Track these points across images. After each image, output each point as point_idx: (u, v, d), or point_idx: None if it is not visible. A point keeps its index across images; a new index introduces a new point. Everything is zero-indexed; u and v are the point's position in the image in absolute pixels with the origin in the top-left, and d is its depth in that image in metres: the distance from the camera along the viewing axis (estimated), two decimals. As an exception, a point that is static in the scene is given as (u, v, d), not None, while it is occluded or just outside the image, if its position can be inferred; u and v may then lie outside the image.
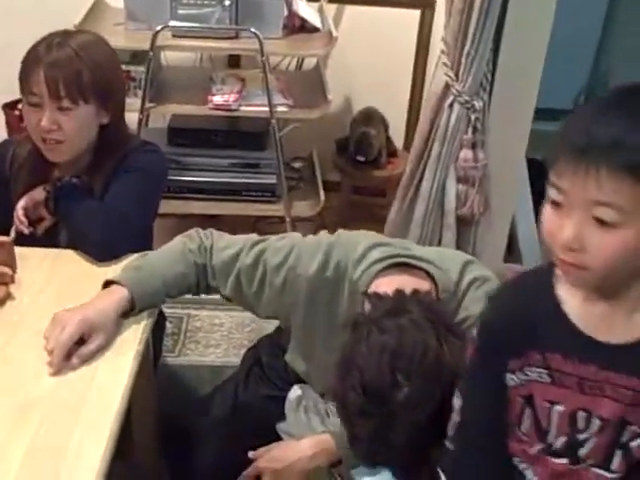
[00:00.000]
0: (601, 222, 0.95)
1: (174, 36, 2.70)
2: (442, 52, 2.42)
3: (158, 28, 2.59)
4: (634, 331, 1.04)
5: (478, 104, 2.41)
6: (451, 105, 2.42)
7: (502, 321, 1.12)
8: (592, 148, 0.93)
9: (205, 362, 2.49)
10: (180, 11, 2.67)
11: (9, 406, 1.27)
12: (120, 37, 2.72)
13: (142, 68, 2.72)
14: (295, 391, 1.63)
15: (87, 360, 1.38)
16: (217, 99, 2.76)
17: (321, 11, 3.07)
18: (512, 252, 2.89)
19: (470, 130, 2.45)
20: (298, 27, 2.90)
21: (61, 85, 1.64)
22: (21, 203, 1.75)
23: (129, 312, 1.48)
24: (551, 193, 0.99)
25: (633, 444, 1.08)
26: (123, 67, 2.72)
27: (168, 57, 3.16)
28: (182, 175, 2.90)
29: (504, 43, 2.40)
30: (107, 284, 1.50)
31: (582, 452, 1.11)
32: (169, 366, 2.41)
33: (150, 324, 1.52)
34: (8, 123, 3.30)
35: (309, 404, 1.61)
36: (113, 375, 1.36)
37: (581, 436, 1.10)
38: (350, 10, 3.31)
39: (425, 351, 1.15)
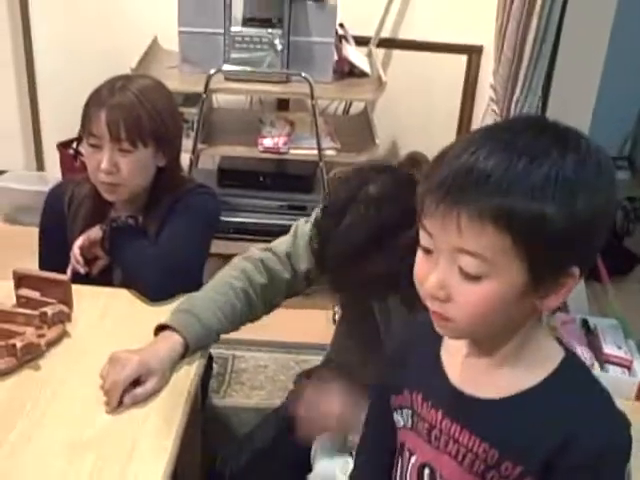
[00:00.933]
0: (464, 273, 0.87)
1: (227, 79, 2.76)
2: (491, 99, 2.44)
3: (212, 71, 2.66)
4: (500, 388, 0.96)
5: (527, 150, 2.41)
6: (499, 151, 2.43)
7: (392, 359, 1.14)
8: (453, 187, 0.84)
9: (249, 404, 2.49)
10: (233, 55, 2.74)
11: (64, 445, 1.28)
12: (174, 80, 2.79)
13: (194, 110, 2.79)
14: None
15: (140, 402, 1.39)
16: (267, 142, 2.80)
17: (370, 56, 3.12)
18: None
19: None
20: (347, 72, 2.94)
21: (122, 128, 1.69)
22: (78, 242, 1.79)
23: (184, 355, 1.50)
24: (421, 236, 0.92)
25: None
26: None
27: (219, 98, 3.22)
28: (230, 216, 2.94)
29: (553, 90, 2.40)
30: (160, 328, 1.51)
31: None
32: (215, 407, 2.42)
33: (202, 366, 1.53)
34: (62, 161, 3.39)
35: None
36: (165, 416, 1.37)
37: None
38: (398, 54, 3.36)
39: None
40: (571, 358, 0.98)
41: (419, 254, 0.93)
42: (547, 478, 0.92)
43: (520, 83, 2.29)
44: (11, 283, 1.64)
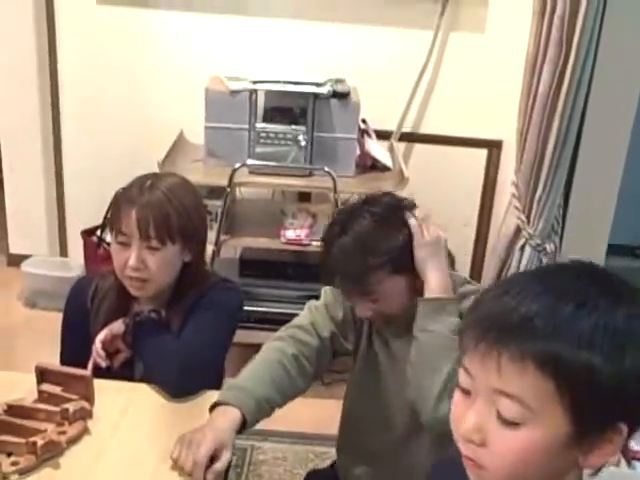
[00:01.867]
0: (502, 418, 0.82)
1: (251, 173, 2.81)
2: (513, 196, 2.46)
3: (236, 166, 2.70)
4: None
5: (549, 247, 2.43)
6: (522, 247, 2.44)
7: None
8: (494, 325, 0.81)
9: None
10: (258, 149, 2.80)
11: None
12: (199, 173, 2.85)
13: (218, 202, 2.83)
14: None
15: (220, 476, 1.39)
16: (289, 234, 2.83)
17: (391, 150, 3.17)
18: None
19: (541, 273, 2.44)
20: (370, 166, 2.99)
21: (151, 226, 1.71)
22: (100, 336, 1.79)
23: (242, 428, 1.51)
24: (460, 375, 0.87)
25: None
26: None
27: (242, 190, 3.27)
28: (251, 305, 2.94)
29: (575, 188, 2.43)
30: (214, 406, 1.53)
31: None
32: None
33: (228, 458, 1.51)
34: (85, 248, 3.43)
35: None
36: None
37: None
38: (419, 148, 3.41)
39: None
40: None
41: (457, 394, 0.88)
42: None
43: (542, 182, 2.32)
44: (33, 377, 1.63)
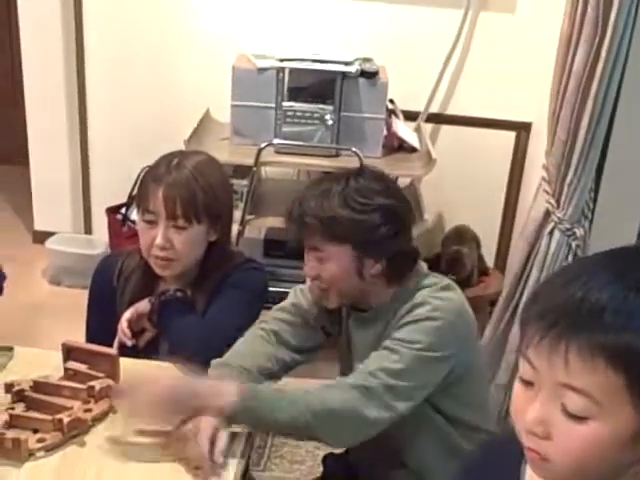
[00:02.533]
0: (568, 412, 0.80)
1: (277, 152, 2.79)
2: (543, 179, 2.42)
3: (263, 145, 2.68)
4: None
5: (579, 232, 2.39)
6: (551, 232, 2.41)
7: (464, 478, 1.07)
8: (562, 318, 0.78)
9: (290, 478, 2.45)
10: (284, 129, 2.77)
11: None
12: (225, 152, 2.83)
13: (244, 181, 2.81)
14: None
15: (223, 453, 1.39)
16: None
17: (419, 131, 3.14)
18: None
19: (571, 257, 2.41)
20: (397, 147, 2.95)
21: (178, 205, 1.70)
22: (126, 315, 1.79)
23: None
24: (522, 367, 0.85)
25: None
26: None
27: (267, 169, 3.26)
28: (274, 286, 2.91)
29: (607, 171, 2.38)
30: None
31: None
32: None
33: (248, 450, 1.51)
34: (110, 226, 3.43)
35: None
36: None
37: None
38: (446, 129, 3.37)
39: None
40: None
41: (517, 385, 0.86)
42: None
43: (574, 165, 2.27)
44: (59, 354, 1.63)
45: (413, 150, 2.97)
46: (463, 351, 1.55)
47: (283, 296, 2.87)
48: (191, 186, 1.71)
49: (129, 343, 1.78)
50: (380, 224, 1.53)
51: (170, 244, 1.73)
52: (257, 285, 1.87)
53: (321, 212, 1.53)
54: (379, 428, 1.49)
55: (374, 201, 1.53)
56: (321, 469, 1.92)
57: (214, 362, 1.60)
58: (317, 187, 1.59)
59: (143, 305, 1.80)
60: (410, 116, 3.20)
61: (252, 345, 1.65)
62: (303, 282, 1.83)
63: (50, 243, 3.57)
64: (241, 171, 2.86)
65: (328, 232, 1.53)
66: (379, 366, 1.49)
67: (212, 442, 1.39)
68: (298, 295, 1.75)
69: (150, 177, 1.74)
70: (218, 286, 1.80)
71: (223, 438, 1.41)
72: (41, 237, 3.70)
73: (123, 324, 1.79)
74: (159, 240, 1.71)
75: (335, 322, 1.73)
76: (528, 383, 0.84)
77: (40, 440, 1.41)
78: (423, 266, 1.64)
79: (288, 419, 1.45)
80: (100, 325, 1.87)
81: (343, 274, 1.56)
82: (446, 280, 1.62)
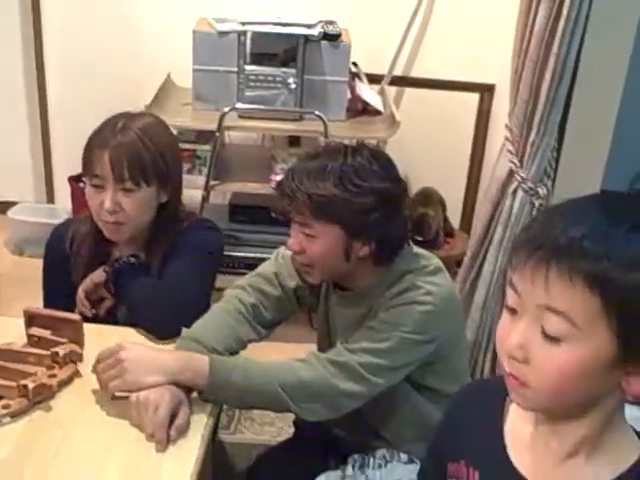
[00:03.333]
0: (547, 334, 0.82)
1: (240, 117, 2.77)
2: (506, 139, 2.43)
3: (225, 110, 2.66)
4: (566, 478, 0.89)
5: (542, 191, 2.40)
6: (515, 191, 2.42)
7: (448, 421, 1.10)
8: (545, 242, 0.82)
9: (260, 440, 2.46)
10: (247, 93, 2.75)
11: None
12: (187, 117, 2.81)
13: (207, 147, 2.79)
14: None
15: (183, 431, 1.38)
16: (279, 179, 2.79)
17: (382, 94, 3.13)
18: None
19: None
20: (361, 110, 2.95)
21: (125, 168, 1.67)
22: (82, 286, 1.77)
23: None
24: (507, 295, 0.88)
25: None
26: (188, 146, 2.82)
27: (231, 135, 3.23)
28: (241, 251, 2.93)
29: (569, 130, 2.40)
30: None
31: None
32: (224, 443, 2.39)
33: (215, 409, 1.51)
34: (73, 194, 3.39)
35: None
36: (179, 459, 1.34)
37: None
38: (410, 92, 3.37)
39: None
40: None
41: (504, 314, 0.89)
42: None
43: (536, 124, 2.28)
44: (22, 321, 1.62)
45: (377, 113, 2.96)
46: (449, 333, 1.55)
47: (250, 262, 2.89)
48: (137, 148, 1.68)
49: (89, 314, 1.76)
50: (374, 208, 1.47)
51: (119, 207, 1.70)
52: (212, 243, 1.85)
53: (315, 190, 1.46)
54: (355, 403, 1.50)
55: (370, 183, 1.47)
56: (292, 430, 1.93)
57: (184, 333, 1.58)
58: (312, 162, 1.51)
59: (98, 274, 1.78)
60: (374, 79, 3.18)
61: (227, 322, 1.62)
62: (269, 247, 1.84)
63: (12, 213, 3.52)
64: (204, 136, 2.83)
65: (319, 211, 1.48)
66: (360, 345, 1.49)
67: (173, 415, 1.38)
68: (279, 262, 1.71)
69: (95, 141, 1.70)
70: (172, 247, 1.78)
71: (185, 414, 1.41)
72: (2, 207, 3.64)
73: (81, 295, 1.77)
74: (107, 204, 1.69)
75: (314, 295, 1.72)
76: (513, 311, 0.87)
77: (5, 406, 1.40)
78: (412, 247, 1.61)
79: (260, 392, 1.45)
80: (57, 293, 1.85)
81: (329, 253, 1.52)
82: (434, 261, 1.58)
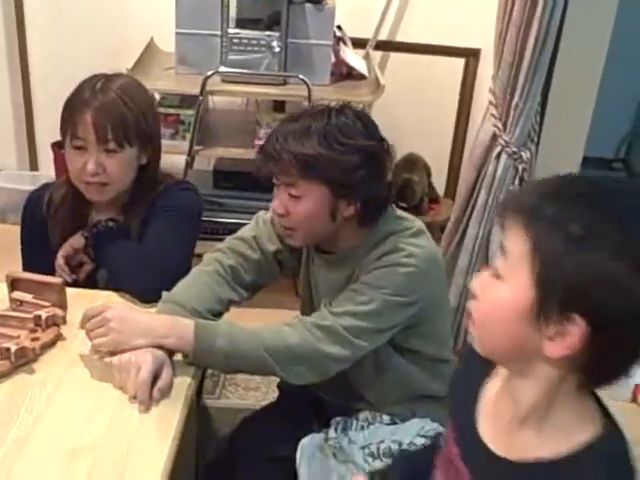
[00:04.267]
0: (494, 270, 0.93)
1: (223, 81, 2.74)
2: (490, 103, 2.43)
3: (209, 73, 2.64)
4: (517, 450, 0.94)
5: (525, 155, 2.41)
6: (498, 155, 2.43)
7: (451, 383, 1.19)
8: (509, 204, 0.94)
9: (245, 405, 2.48)
10: (230, 57, 2.72)
11: (60, 450, 1.27)
12: (170, 81, 2.78)
13: (190, 111, 2.77)
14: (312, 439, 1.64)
15: (166, 392, 1.40)
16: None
17: (367, 58, 3.11)
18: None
19: (517, 181, 2.44)
20: (345, 74, 2.93)
21: (108, 129, 1.66)
22: (61, 252, 1.77)
23: None
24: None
25: None
26: (172, 111, 2.80)
27: (215, 100, 3.21)
28: (225, 217, 2.92)
29: (552, 94, 2.40)
30: None
31: None
32: (208, 408, 2.40)
33: (199, 370, 1.52)
34: (56, 161, 3.36)
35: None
36: (162, 420, 1.35)
37: None
38: (395, 57, 3.35)
39: None
40: (611, 438, 0.91)
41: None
42: None
43: (520, 88, 2.28)
44: (4, 286, 1.62)
45: (362, 77, 2.94)
46: (431, 295, 1.56)
47: (234, 228, 2.88)
48: (120, 108, 1.67)
49: (69, 279, 1.76)
50: (359, 166, 1.47)
51: (102, 169, 1.69)
52: (191, 204, 1.84)
53: (300, 149, 1.46)
54: (340, 366, 1.51)
55: (355, 142, 1.47)
56: (276, 394, 1.95)
57: (164, 296, 1.58)
58: (296, 123, 1.50)
59: (77, 240, 1.77)
60: (359, 43, 3.15)
61: (207, 283, 1.63)
62: (253, 213, 1.82)
63: (-5, 180, 3.50)
64: (188, 101, 2.81)
65: (305, 170, 1.47)
66: (344, 308, 1.50)
67: (156, 376, 1.39)
68: (260, 227, 1.71)
69: (75, 102, 1.69)
70: (150, 210, 1.78)
71: (167, 375, 1.41)
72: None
73: (60, 261, 1.76)
74: (90, 166, 1.67)
75: (295, 258, 1.72)
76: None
77: (-12, 369, 1.40)
78: (395, 209, 1.61)
79: (246, 357, 1.46)
80: (36, 258, 1.85)
81: (315, 214, 1.51)
82: (417, 224, 1.59)
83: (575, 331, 0.85)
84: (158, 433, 1.33)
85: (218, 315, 1.62)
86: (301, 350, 1.47)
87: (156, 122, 1.82)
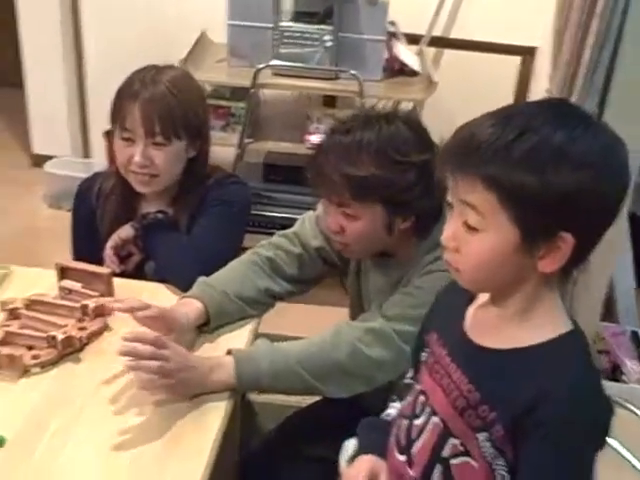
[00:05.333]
0: (467, 225, 0.98)
1: (275, 74, 2.74)
2: (546, 103, 2.38)
3: (260, 66, 2.63)
4: (501, 340, 1.04)
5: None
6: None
7: (435, 300, 1.24)
8: (455, 151, 0.98)
9: (290, 402, 2.46)
10: (282, 50, 2.72)
11: (101, 442, 1.27)
12: (222, 73, 2.79)
13: (241, 104, 2.77)
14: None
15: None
16: (314, 139, 2.77)
17: (420, 54, 3.08)
18: (610, 311, 2.80)
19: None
20: (397, 70, 2.90)
21: (156, 122, 1.66)
22: (110, 243, 1.77)
23: (208, 320, 1.54)
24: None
25: (454, 462, 1.07)
26: (223, 103, 2.80)
27: (266, 93, 3.20)
28: (273, 211, 2.92)
29: (611, 95, 2.34)
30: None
31: (414, 452, 1.14)
32: (253, 403, 2.40)
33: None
34: (108, 149, 3.40)
35: None
36: (206, 413, 1.35)
37: (416, 422, 1.14)
38: (449, 54, 3.30)
39: None
40: (578, 335, 1.04)
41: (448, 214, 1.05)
42: (515, 430, 0.99)
43: (578, 89, 2.23)
44: (54, 274, 1.63)
45: (414, 74, 2.91)
46: None
47: (283, 222, 2.89)
48: (168, 101, 1.67)
49: (117, 270, 1.76)
50: (415, 183, 1.41)
51: (150, 161, 1.70)
52: (240, 198, 1.84)
53: (353, 171, 1.39)
54: (386, 376, 1.46)
55: (410, 158, 1.40)
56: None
57: (199, 280, 1.59)
58: (345, 136, 1.42)
59: (126, 230, 1.78)
60: (412, 39, 3.12)
61: (242, 271, 1.62)
62: (302, 208, 1.81)
63: (48, 167, 3.55)
64: (238, 93, 2.82)
65: (359, 193, 1.40)
66: (395, 312, 1.46)
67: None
68: (304, 225, 1.68)
69: (125, 93, 1.69)
70: (200, 203, 1.78)
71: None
72: (40, 161, 3.68)
73: (109, 252, 1.77)
74: (138, 158, 1.68)
75: (342, 258, 1.67)
76: (449, 206, 1.03)
77: (35, 357, 1.42)
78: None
79: (291, 388, 1.46)
80: (85, 247, 1.87)
81: (370, 232, 1.46)
82: None
83: (563, 245, 0.95)
84: (202, 425, 1.32)
85: (258, 304, 1.62)
86: (351, 363, 1.44)
87: (205, 116, 1.82)
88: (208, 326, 1.55)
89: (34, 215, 3.51)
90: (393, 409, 1.32)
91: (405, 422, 1.18)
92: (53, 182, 3.54)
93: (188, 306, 1.53)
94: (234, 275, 1.61)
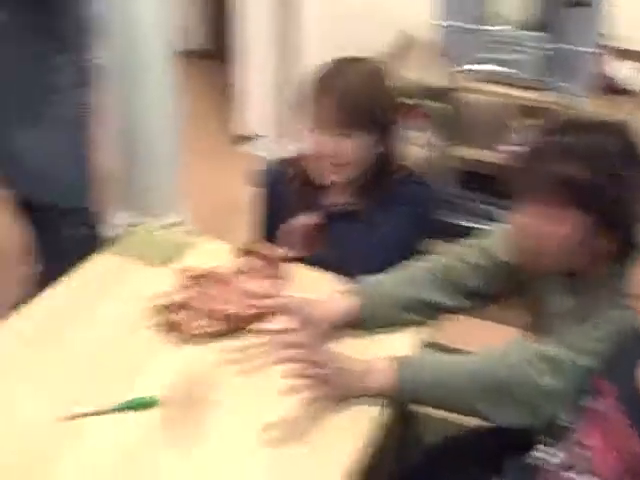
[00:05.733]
0: None
1: (478, 79, 2.68)
2: None
3: (463, 68, 2.59)
4: None
5: None
6: None
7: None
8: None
9: (452, 417, 2.39)
10: (488, 54, 2.65)
11: (244, 430, 1.29)
12: (423, 73, 2.77)
13: (438, 105, 2.74)
14: None
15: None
16: (509, 148, 2.70)
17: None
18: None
19: None
20: (612, 87, 2.75)
21: (349, 114, 1.67)
22: (293, 228, 1.82)
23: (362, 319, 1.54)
24: None
25: None
26: (420, 102, 2.78)
27: (470, 97, 3.14)
28: (466, 220, 2.86)
29: None
30: None
31: None
32: (415, 413, 2.35)
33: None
34: (301, 136, 3.46)
35: None
36: (356, 419, 1.34)
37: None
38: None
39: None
40: None
41: None
42: None
43: None
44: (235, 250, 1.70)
45: (630, 93, 2.74)
46: None
47: (466, 231, 2.80)
48: (361, 95, 1.68)
49: (297, 256, 1.80)
50: (632, 199, 1.31)
51: (338, 151, 1.71)
52: (425, 198, 1.84)
53: (565, 171, 1.30)
54: (556, 409, 1.32)
55: (631, 172, 1.31)
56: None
57: (364, 279, 1.58)
58: (556, 137, 1.36)
59: (310, 218, 1.82)
60: (632, 55, 2.92)
61: (413, 276, 1.58)
62: (491, 219, 1.73)
63: (251, 147, 3.67)
64: (437, 94, 2.77)
65: (573, 198, 1.30)
66: (576, 341, 1.34)
67: None
68: (495, 238, 1.58)
69: (317, 84, 1.72)
70: (384, 199, 1.79)
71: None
72: (239, 140, 3.82)
73: (291, 237, 1.81)
74: (325, 147, 1.71)
75: (529, 279, 1.55)
76: None
77: (203, 327, 1.48)
78: None
79: (450, 408, 1.41)
80: (267, 229, 1.93)
81: (567, 243, 1.35)
82: None
83: None
84: (352, 432, 1.31)
85: (418, 313, 1.57)
86: (517, 388, 1.34)
87: (395, 112, 1.81)
88: (364, 325, 1.54)
89: (235, 193, 3.65)
90: (542, 453, 1.23)
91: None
92: (253, 161, 3.66)
93: (342, 301, 1.54)
94: (403, 278, 1.59)
